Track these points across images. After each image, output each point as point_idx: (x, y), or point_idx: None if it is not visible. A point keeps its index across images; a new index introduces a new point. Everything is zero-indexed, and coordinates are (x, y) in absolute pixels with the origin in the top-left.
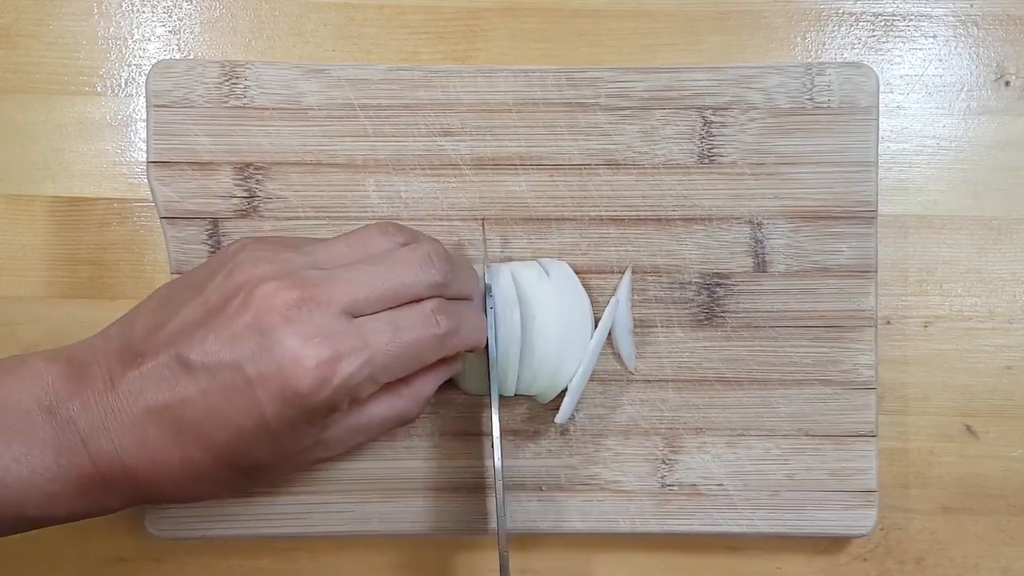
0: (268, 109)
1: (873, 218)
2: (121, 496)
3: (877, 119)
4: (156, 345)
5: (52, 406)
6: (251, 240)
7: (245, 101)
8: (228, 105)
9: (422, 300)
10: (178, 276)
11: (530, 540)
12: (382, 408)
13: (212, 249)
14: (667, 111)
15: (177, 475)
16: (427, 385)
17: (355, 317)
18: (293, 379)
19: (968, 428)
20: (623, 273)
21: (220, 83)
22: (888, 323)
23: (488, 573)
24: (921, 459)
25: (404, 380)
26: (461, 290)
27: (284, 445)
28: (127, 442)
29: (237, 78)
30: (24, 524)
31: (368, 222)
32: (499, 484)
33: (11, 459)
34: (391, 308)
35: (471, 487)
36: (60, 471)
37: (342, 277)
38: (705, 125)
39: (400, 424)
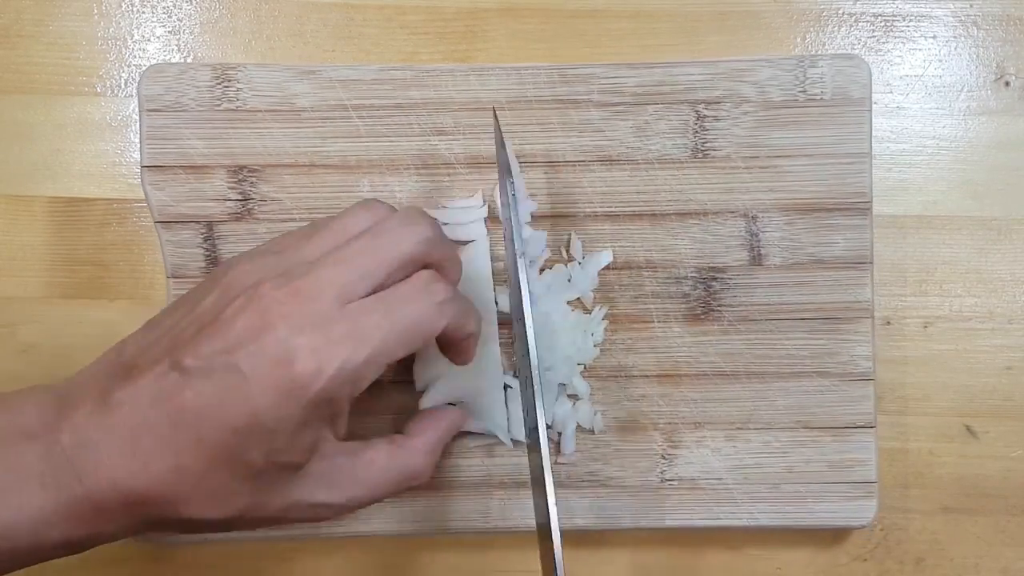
0: (261, 111)
1: (868, 209)
2: (117, 520)
3: (870, 110)
4: (150, 358)
5: (36, 433)
6: (238, 257)
7: (238, 104)
8: (221, 108)
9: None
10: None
11: (530, 538)
12: (382, 457)
13: (207, 252)
14: (660, 106)
15: (170, 488)
16: (429, 436)
17: (349, 302)
18: (287, 370)
19: (968, 428)
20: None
21: (212, 86)
22: (888, 323)
23: (488, 573)
24: (921, 459)
25: (407, 435)
26: (451, 261)
27: (280, 449)
28: (118, 457)
29: (229, 81)
30: (19, 558)
31: None
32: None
33: None
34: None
35: (472, 486)
36: (48, 497)
37: (329, 263)
38: (698, 119)
39: (408, 481)
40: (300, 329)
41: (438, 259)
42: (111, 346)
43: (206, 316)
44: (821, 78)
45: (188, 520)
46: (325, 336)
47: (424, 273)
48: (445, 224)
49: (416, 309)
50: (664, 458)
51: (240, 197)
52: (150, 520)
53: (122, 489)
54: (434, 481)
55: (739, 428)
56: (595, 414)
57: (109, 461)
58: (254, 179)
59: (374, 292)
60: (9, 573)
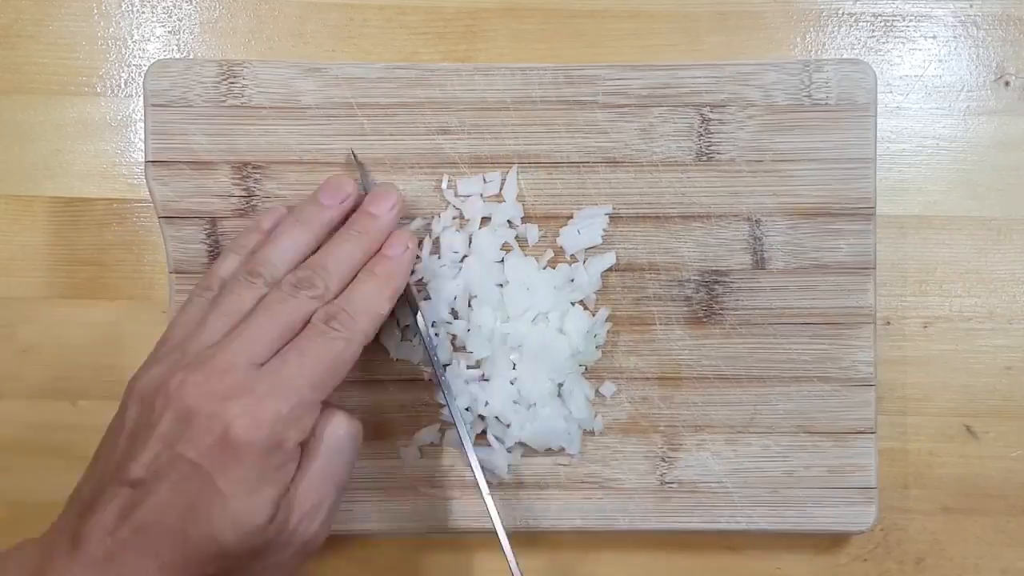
0: (266, 108)
1: (871, 215)
2: None
3: (875, 115)
4: (102, 488)
5: None
6: (141, 369)
7: (243, 100)
8: (226, 104)
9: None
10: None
11: (530, 538)
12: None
13: (210, 248)
14: (665, 108)
15: None
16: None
17: (262, 364)
18: (231, 436)
19: (968, 428)
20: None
21: (218, 82)
22: (888, 323)
23: (488, 573)
24: (921, 459)
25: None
26: (342, 269)
27: (251, 513)
28: None
29: (235, 77)
30: None
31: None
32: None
33: None
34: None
35: (471, 486)
36: None
37: (232, 340)
38: (703, 122)
39: (341, 362)
40: (225, 399)
41: (332, 294)
42: (68, 498)
43: (137, 430)
44: (826, 83)
45: None
46: (251, 397)
47: (318, 317)
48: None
49: (325, 348)
50: (664, 461)
51: (244, 193)
52: None
53: None
54: (435, 480)
55: (739, 432)
56: (595, 416)
57: None
58: (258, 175)
59: (280, 349)
60: None
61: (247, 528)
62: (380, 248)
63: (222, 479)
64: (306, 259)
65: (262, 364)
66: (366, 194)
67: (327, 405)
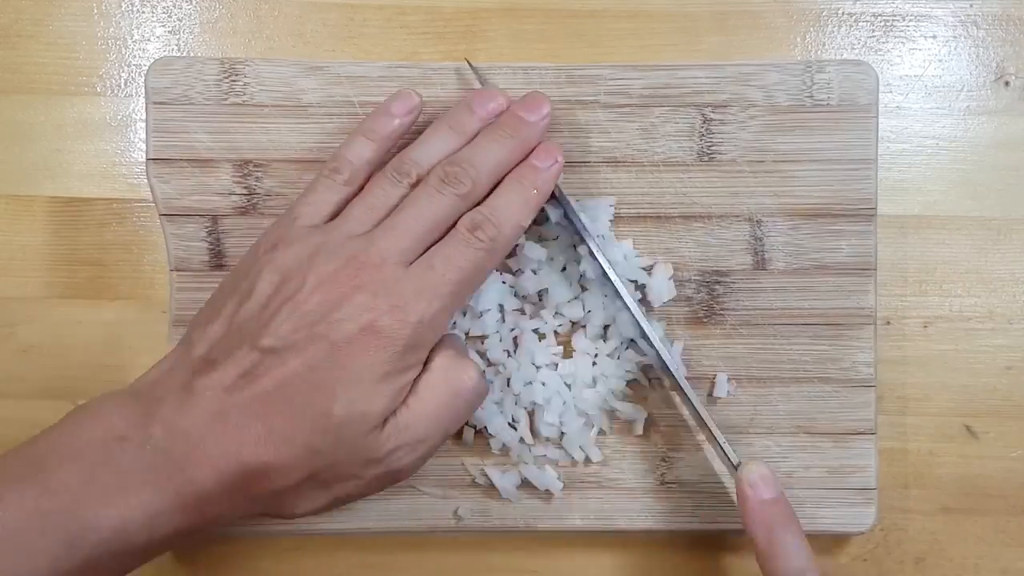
0: (267, 106)
1: (872, 216)
2: (222, 504)
3: (876, 116)
4: (226, 348)
5: (127, 435)
6: (277, 236)
7: (244, 98)
8: (227, 102)
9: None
10: (212, 294)
11: (529, 539)
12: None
13: (212, 246)
14: (666, 108)
15: (264, 459)
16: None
17: (410, 264)
18: (377, 328)
19: (968, 428)
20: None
21: (219, 80)
22: (888, 323)
23: (489, 573)
24: (921, 459)
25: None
26: (490, 168)
27: (368, 400)
28: (212, 442)
29: (236, 75)
30: (135, 555)
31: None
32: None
33: (101, 495)
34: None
35: (471, 485)
36: (155, 493)
37: (381, 234)
38: (704, 123)
39: (482, 272)
40: (375, 295)
41: (478, 195)
42: (174, 347)
43: (274, 302)
44: (828, 83)
45: (287, 490)
46: (399, 296)
47: (464, 223)
48: None
49: (470, 257)
50: (664, 461)
51: (245, 191)
52: (253, 498)
53: (222, 471)
54: (435, 480)
55: (740, 432)
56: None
57: (204, 447)
58: (259, 174)
59: (428, 249)
60: (127, 573)
61: (359, 413)
62: (528, 157)
63: (353, 364)
64: None
65: (410, 262)
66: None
67: (463, 353)
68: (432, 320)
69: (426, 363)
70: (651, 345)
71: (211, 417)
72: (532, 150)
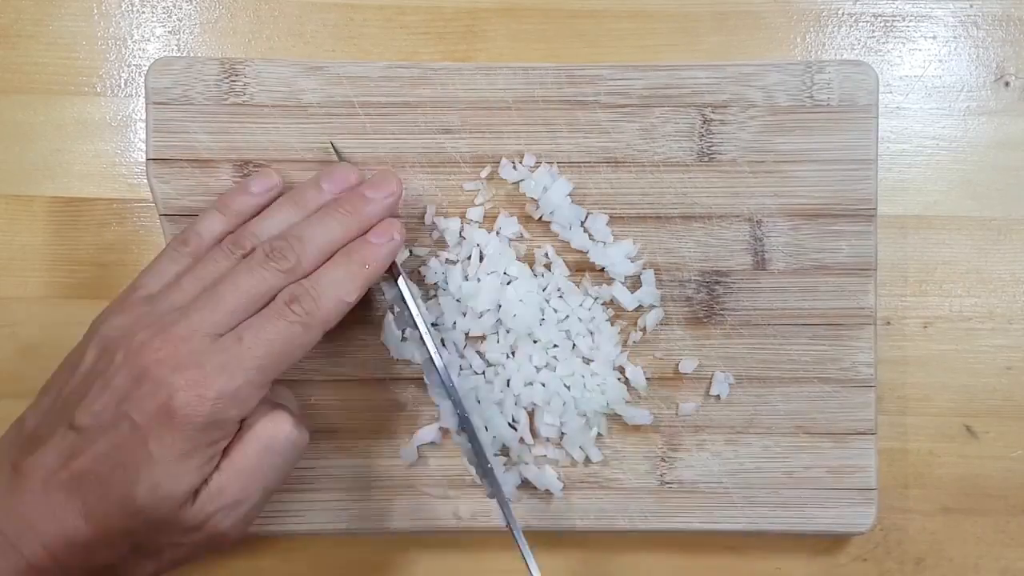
0: (267, 106)
1: (872, 216)
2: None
3: (876, 117)
4: (49, 424)
5: None
6: (110, 309)
7: (244, 98)
8: (227, 102)
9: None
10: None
11: (529, 539)
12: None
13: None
14: (667, 109)
15: (85, 538)
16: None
17: (220, 336)
18: (172, 406)
19: (968, 428)
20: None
21: (219, 80)
22: (888, 323)
23: (489, 573)
24: (921, 459)
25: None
26: (319, 244)
27: (173, 481)
28: (40, 521)
29: (236, 75)
30: None
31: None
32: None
33: None
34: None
35: (470, 485)
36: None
37: (198, 307)
38: (705, 123)
39: (296, 347)
40: (175, 368)
41: (304, 270)
42: (11, 423)
43: (92, 376)
44: (828, 84)
45: (117, 561)
46: (200, 371)
47: (282, 296)
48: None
49: (282, 332)
50: (664, 461)
51: None
52: (88, 570)
53: (52, 548)
54: (436, 479)
55: (739, 432)
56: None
57: (35, 526)
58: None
59: (242, 322)
60: None
61: (165, 494)
62: (365, 233)
63: (155, 444)
64: None
65: (221, 334)
66: None
67: (277, 406)
68: (235, 395)
69: (241, 421)
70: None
71: (38, 497)
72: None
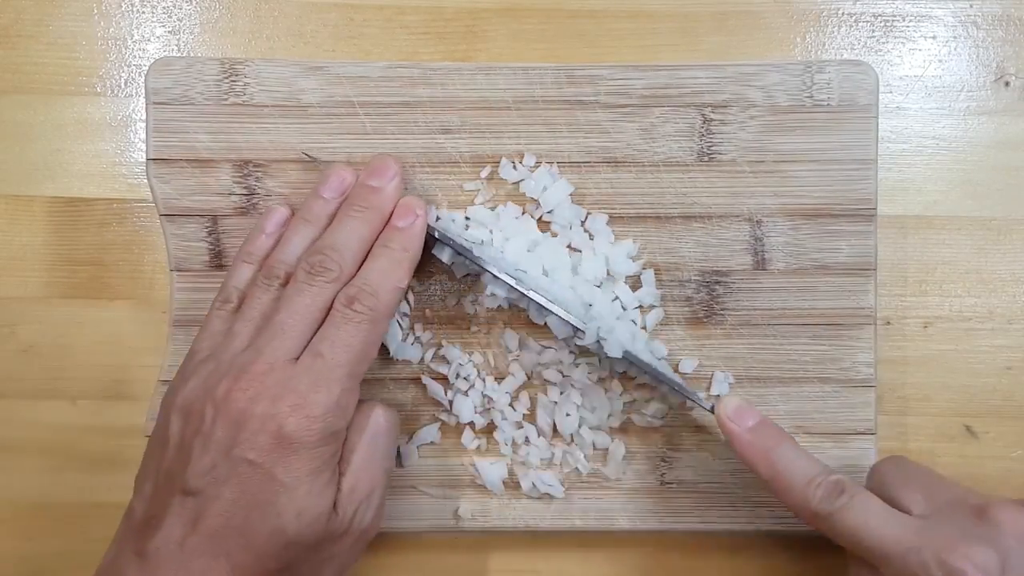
0: (267, 106)
1: (872, 216)
2: None
3: (876, 117)
4: (160, 502)
5: None
6: (176, 382)
7: (244, 99)
8: (227, 102)
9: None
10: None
11: (529, 539)
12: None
13: (212, 247)
14: (667, 109)
15: None
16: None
17: (296, 358)
18: (286, 433)
19: (968, 428)
20: None
21: (219, 80)
22: (888, 323)
23: (489, 573)
24: (921, 459)
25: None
26: (352, 246)
27: (314, 501)
28: None
29: (236, 75)
30: None
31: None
32: None
33: None
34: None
35: (472, 484)
36: None
37: (262, 343)
38: (705, 123)
39: (371, 343)
40: (274, 400)
41: (348, 275)
42: (120, 522)
43: (186, 442)
44: (828, 84)
45: None
46: (296, 393)
47: (339, 302)
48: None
49: (353, 333)
50: (664, 461)
51: (245, 191)
52: None
53: None
54: (436, 479)
55: None
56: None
57: None
58: (259, 174)
59: (310, 341)
60: None
61: (312, 516)
62: (389, 220)
63: (283, 473)
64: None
65: (297, 359)
66: None
67: (362, 401)
68: (337, 405)
69: None
70: (580, 330)
71: (177, 573)
72: (392, 212)
